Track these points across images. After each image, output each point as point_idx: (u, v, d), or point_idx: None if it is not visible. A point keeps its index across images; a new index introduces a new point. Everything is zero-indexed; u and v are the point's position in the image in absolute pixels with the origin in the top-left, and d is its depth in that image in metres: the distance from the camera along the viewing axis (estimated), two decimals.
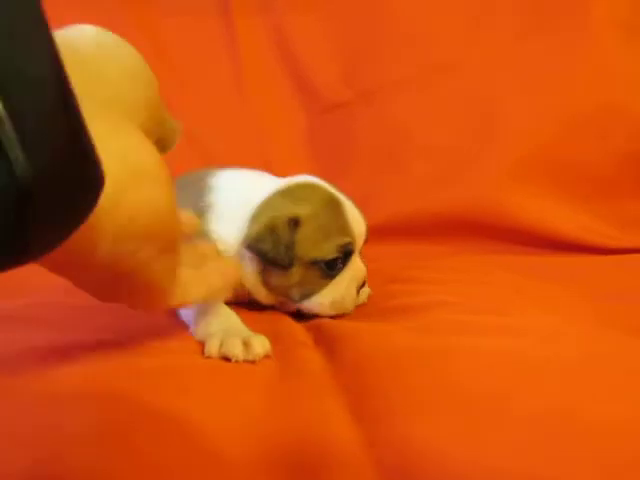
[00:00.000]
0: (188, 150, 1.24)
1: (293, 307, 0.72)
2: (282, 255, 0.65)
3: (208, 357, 0.51)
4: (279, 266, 0.67)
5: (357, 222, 0.71)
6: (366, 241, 0.75)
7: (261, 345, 0.52)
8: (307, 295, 0.69)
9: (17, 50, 0.19)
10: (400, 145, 1.19)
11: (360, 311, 0.71)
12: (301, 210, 0.67)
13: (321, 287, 0.69)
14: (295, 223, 0.66)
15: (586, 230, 1.04)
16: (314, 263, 0.67)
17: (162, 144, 0.43)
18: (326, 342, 0.59)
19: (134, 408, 0.38)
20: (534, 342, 0.49)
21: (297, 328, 0.65)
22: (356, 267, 0.71)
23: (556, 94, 1.10)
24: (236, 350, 0.50)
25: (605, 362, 0.45)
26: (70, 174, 0.22)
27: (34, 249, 0.24)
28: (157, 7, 1.30)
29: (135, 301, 0.40)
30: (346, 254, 0.69)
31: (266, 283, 0.70)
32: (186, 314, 0.62)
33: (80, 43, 0.32)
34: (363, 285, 0.73)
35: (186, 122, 1.26)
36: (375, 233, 1.10)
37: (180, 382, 0.44)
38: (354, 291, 0.71)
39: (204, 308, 0.61)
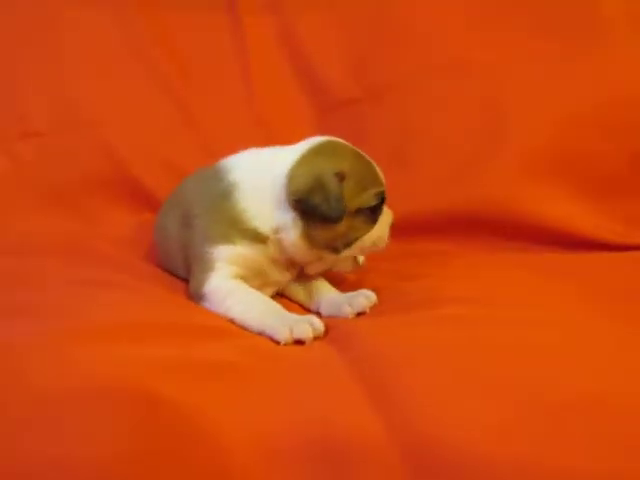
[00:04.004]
0: (195, 148, 1.24)
1: (328, 262, 0.77)
2: (334, 208, 0.68)
3: (284, 344, 0.58)
4: (329, 219, 0.69)
5: (380, 172, 0.78)
6: None
7: (320, 323, 0.61)
8: (350, 243, 0.74)
9: None
10: (410, 143, 1.18)
11: (374, 307, 0.71)
12: (343, 165, 0.71)
13: (365, 232, 0.75)
14: (341, 177, 0.70)
15: (599, 227, 1.03)
16: (358, 212, 0.73)
17: None
18: (341, 338, 0.59)
19: (163, 407, 0.38)
20: (554, 334, 0.50)
21: None
22: (386, 209, 0.78)
23: (568, 91, 1.09)
24: (308, 333, 0.59)
25: (628, 354, 0.45)
26: None
27: None
28: (166, 3, 1.29)
29: None
30: (383, 200, 0.76)
31: (310, 240, 0.72)
32: (218, 303, 0.69)
33: None
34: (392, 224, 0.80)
35: (194, 119, 1.28)
36: None
37: (202, 376, 0.45)
38: (387, 230, 0.79)
39: (241, 299, 0.68)
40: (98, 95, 1.25)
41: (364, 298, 0.71)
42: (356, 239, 0.74)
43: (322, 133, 1.23)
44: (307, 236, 0.71)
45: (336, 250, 0.73)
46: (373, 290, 0.73)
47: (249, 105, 1.31)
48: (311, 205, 0.68)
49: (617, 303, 0.67)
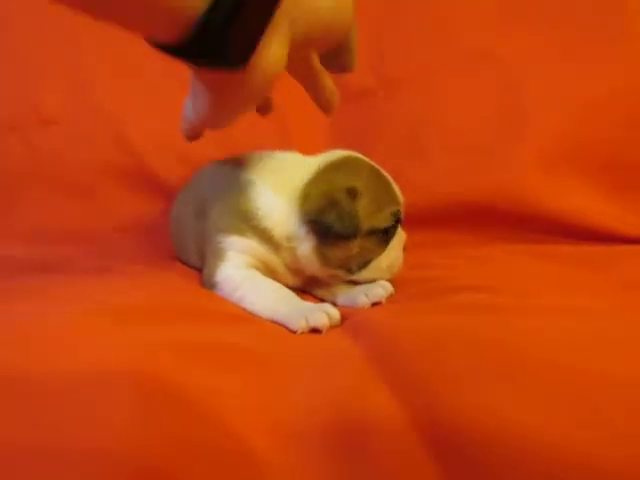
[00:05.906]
0: (209, 137, 1.23)
1: (343, 279, 0.74)
2: (348, 226, 0.67)
3: (300, 333, 0.57)
4: (343, 238, 0.68)
5: (398, 189, 0.75)
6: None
7: (335, 312, 0.60)
8: (365, 264, 0.72)
9: None
10: (426, 133, 1.17)
11: (389, 296, 0.70)
12: (356, 182, 0.70)
13: (378, 254, 0.73)
14: (353, 194, 0.68)
15: (614, 219, 1.01)
16: (372, 233, 0.70)
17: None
18: (357, 325, 0.59)
19: (175, 392, 0.37)
20: (569, 321, 0.49)
21: None
22: (399, 230, 0.76)
23: (587, 80, 1.07)
24: (324, 320, 0.57)
25: None
26: None
27: None
28: None
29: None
30: (397, 220, 0.73)
31: (323, 257, 0.70)
32: (230, 292, 0.67)
33: None
34: (404, 247, 0.77)
35: None
36: None
37: (215, 360, 0.44)
38: (402, 252, 0.76)
39: (253, 288, 0.66)
40: (113, 85, 1.25)
41: (381, 288, 0.70)
42: (371, 260, 0.72)
43: (338, 123, 1.23)
44: (320, 253, 0.70)
45: (350, 271, 0.72)
46: (388, 279, 0.73)
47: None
48: (325, 224, 0.66)
49: (634, 294, 0.66)
